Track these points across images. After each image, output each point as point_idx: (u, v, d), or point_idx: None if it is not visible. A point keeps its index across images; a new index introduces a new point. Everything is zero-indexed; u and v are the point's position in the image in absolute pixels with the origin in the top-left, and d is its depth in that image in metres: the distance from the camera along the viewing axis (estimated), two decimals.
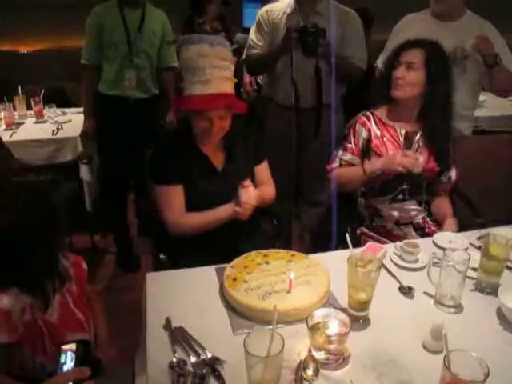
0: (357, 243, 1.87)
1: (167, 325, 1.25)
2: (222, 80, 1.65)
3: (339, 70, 2.37)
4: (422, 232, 1.96)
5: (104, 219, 3.10)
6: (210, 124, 1.67)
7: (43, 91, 3.44)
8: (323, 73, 2.39)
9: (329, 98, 2.46)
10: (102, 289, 2.77)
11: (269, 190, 1.94)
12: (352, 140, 2.00)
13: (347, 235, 1.36)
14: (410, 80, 1.86)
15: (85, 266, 1.32)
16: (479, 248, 1.61)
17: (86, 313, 1.27)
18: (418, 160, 1.79)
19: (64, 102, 3.75)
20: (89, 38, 2.72)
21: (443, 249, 1.58)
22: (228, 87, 1.68)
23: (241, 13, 3.08)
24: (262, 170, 1.94)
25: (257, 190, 1.78)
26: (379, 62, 2.63)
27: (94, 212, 3.07)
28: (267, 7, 2.57)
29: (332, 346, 1.11)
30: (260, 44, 2.53)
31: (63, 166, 2.88)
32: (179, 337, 1.20)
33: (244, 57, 2.71)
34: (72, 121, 3.24)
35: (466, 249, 1.58)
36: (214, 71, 1.62)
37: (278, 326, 1.20)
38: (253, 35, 2.56)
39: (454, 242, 1.64)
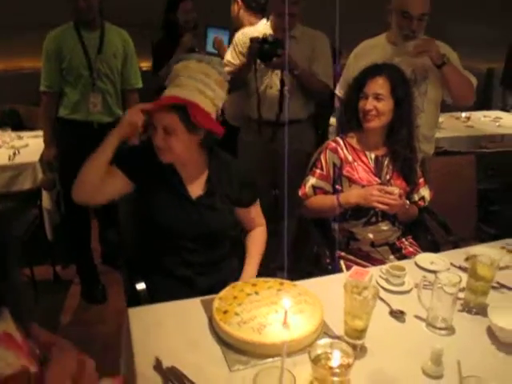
0: (337, 267, 1.86)
1: (158, 365, 1.18)
2: (197, 92, 1.53)
3: (306, 83, 2.51)
4: (400, 254, 1.98)
5: (66, 248, 2.94)
6: (154, 133, 1.54)
7: None
8: (287, 86, 2.47)
9: (295, 113, 2.56)
10: (69, 323, 2.61)
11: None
12: (323, 166, 2.00)
13: (341, 261, 1.34)
14: (380, 110, 1.89)
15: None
16: (460, 267, 1.65)
17: None
18: (394, 193, 1.80)
19: (18, 125, 3.57)
20: (47, 63, 2.58)
21: (427, 270, 1.62)
22: (202, 102, 1.53)
23: (205, 38, 3.11)
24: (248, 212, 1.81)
25: None
26: (338, 90, 2.67)
27: (55, 241, 2.90)
28: (245, 29, 2.68)
29: (336, 379, 1.08)
30: (234, 62, 2.62)
31: (21, 194, 2.71)
32: (173, 377, 1.13)
33: None
34: (29, 145, 3.05)
35: (448, 269, 1.61)
36: (189, 81, 1.53)
37: (275, 358, 1.17)
38: (228, 55, 2.68)
39: (436, 263, 1.66)
